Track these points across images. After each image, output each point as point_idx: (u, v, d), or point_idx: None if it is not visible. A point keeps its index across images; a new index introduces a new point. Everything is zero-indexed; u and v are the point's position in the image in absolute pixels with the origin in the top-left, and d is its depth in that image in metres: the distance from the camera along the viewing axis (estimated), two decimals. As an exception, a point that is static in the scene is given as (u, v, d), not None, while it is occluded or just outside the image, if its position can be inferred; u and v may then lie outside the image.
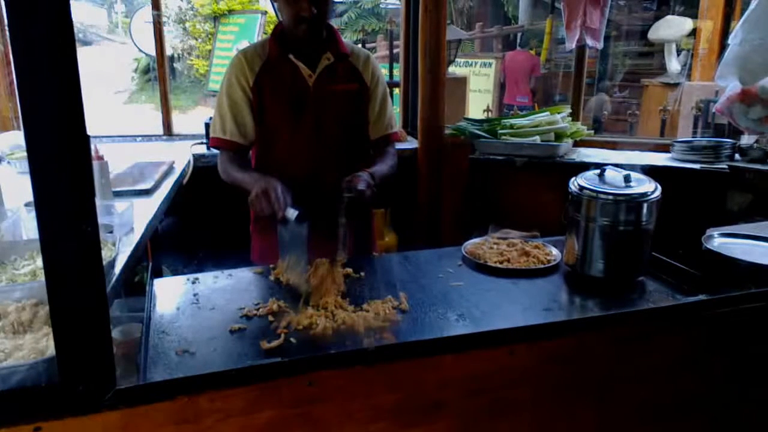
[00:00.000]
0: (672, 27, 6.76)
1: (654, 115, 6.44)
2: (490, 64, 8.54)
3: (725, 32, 5.98)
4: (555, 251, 1.87)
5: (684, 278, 1.68)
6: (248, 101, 2.01)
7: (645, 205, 1.61)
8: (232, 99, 2.01)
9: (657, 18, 7.58)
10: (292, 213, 1.66)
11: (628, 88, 8.64)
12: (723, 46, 6.03)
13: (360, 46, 2.38)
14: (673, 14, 7.72)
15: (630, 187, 1.64)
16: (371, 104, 2.13)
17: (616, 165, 1.76)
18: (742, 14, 3.04)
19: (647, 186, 1.65)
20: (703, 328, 1.50)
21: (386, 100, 2.17)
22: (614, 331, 1.42)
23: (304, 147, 2.03)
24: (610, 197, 1.62)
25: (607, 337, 1.41)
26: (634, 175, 1.68)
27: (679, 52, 6.97)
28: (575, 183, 1.71)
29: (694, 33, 6.50)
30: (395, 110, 2.51)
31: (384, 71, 2.46)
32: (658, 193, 1.64)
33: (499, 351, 1.30)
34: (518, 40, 11.50)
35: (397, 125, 2.33)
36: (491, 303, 1.54)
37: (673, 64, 6.70)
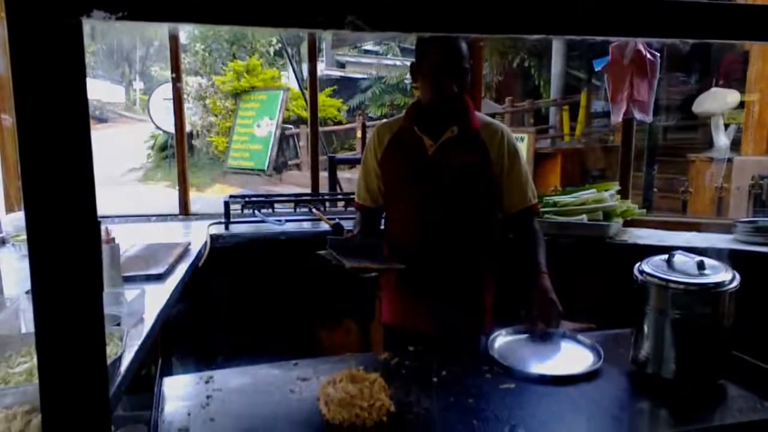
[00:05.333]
0: (718, 99, 6.74)
1: (703, 191, 6.34)
2: (523, 139, 8.57)
3: (776, 105, 5.96)
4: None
5: (769, 382, 1.54)
6: (377, 171, 2.31)
7: (724, 296, 1.50)
8: (366, 168, 2.35)
9: (699, 92, 7.60)
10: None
11: (673, 164, 8.57)
12: (776, 120, 6.00)
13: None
14: (716, 87, 7.74)
15: (705, 275, 1.53)
16: (500, 177, 2.20)
17: (681, 249, 1.67)
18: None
19: (724, 274, 1.55)
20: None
21: (519, 171, 2.23)
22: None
23: (415, 215, 2.22)
24: (682, 286, 1.52)
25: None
26: (707, 261, 1.58)
27: (726, 125, 6.93)
28: (640, 269, 1.61)
29: (741, 106, 6.47)
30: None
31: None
32: (736, 282, 1.53)
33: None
34: (549, 114, 11.64)
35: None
36: (549, 411, 1.41)
37: (721, 138, 6.64)
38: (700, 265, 1.54)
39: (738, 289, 1.53)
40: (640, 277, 1.59)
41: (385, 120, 2.40)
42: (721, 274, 1.54)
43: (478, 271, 2.25)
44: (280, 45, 13.76)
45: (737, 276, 1.55)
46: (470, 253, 2.22)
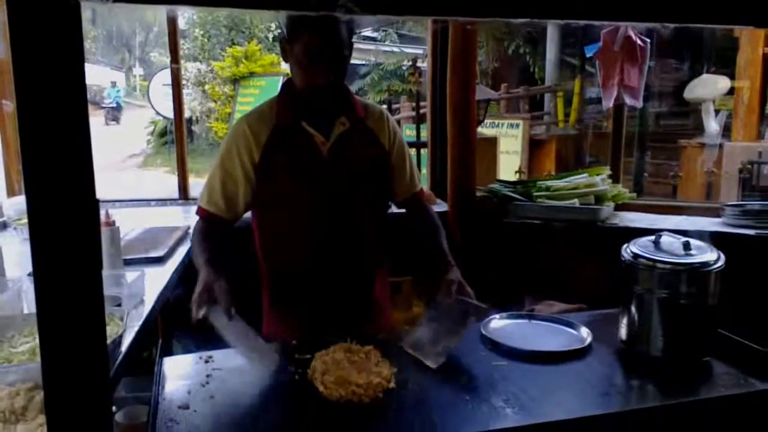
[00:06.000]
0: (708, 86, 6.74)
1: (693, 176, 6.36)
2: (518, 125, 8.55)
3: (765, 91, 5.97)
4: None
5: (754, 359, 1.56)
6: (246, 177, 1.89)
7: (709, 276, 1.52)
8: (226, 170, 1.90)
9: (690, 78, 7.60)
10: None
11: (665, 149, 8.59)
12: (763, 106, 6.01)
13: (385, 106, 2.35)
14: (707, 73, 7.73)
15: (690, 255, 1.54)
16: (393, 165, 2.02)
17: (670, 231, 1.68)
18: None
19: (709, 255, 1.56)
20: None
21: (408, 156, 2.07)
22: (684, 420, 1.31)
23: (307, 227, 1.91)
24: (668, 266, 1.53)
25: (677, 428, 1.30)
26: (693, 242, 1.59)
27: (716, 111, 6.94)
28: (628, 250, 1.62)
29: (731, 92, 6.48)
30: (422, 172, 2.45)
31: (410, 132, 2.42)
32: (721, 262, 1.55)
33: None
34: (544, 101, 11.60)
35: (424, 184, 2.21)
36: (540, 387, 1.43)
37: (712, 125, 6.65)
38: (686, 246, 1.56)
39: (723, 269, 1.54)
40: (627, 257, 1.60)
41: (250, 111, 1.97)
42: (706, 255, 1.55)
43: (371, 272, 2.03)
44: (279, 30, 13.65)
45: (722, 256, 1.56)
46: (366, 257, 1.98)
